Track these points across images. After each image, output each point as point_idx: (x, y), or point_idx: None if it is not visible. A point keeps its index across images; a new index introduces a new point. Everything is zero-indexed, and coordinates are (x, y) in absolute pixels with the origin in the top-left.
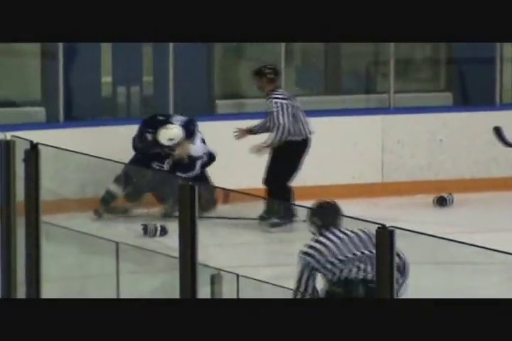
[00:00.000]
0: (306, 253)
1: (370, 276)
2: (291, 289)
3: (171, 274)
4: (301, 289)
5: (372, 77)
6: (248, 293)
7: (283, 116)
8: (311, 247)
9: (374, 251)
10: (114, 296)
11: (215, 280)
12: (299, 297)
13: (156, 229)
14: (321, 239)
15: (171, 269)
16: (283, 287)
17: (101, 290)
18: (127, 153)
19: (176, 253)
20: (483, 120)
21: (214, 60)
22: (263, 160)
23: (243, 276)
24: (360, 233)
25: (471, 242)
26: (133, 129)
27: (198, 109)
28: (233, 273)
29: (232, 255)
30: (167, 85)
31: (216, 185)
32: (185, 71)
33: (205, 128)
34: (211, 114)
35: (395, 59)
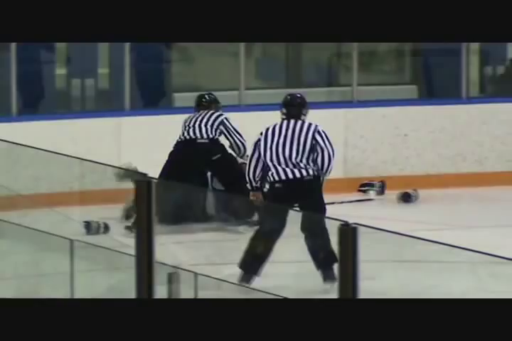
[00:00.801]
0: (260, 134)
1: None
2: (252, 288)
3: (128, 272)
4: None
5: (334, 69)
6: (207, 291)
7: None
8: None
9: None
10: (68, 295)
11: (172, 278)
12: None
13: (98, 227)
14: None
15: (128, 267)
16: (243, 285)
17: (55, 288)
18: (82, 147)
19: (133, 251)
20: (449, 114)
21: (172, 52)
22: None
23: (201, 275)
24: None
25: (437, 240)
26: (89, 122)
27: (155, 102)
28: (191, 271)
29: (192, 253)
30: (123, 78)
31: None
32: (141, 63)
33: (163, 121)
34: (169, 107)
35: (358, 51)
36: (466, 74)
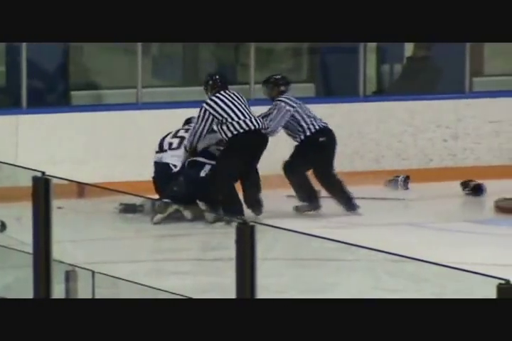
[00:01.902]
0: None
1: None
2: (150, 287)
3: (25, 270)
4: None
5: (232, 67)
6: (104, 290)
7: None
8: None
9: None
10: None
11: (69, 276)
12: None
13: None
14: None
15: (25, 265)
16: (141, 284)
17: None
18: None
19: (30, 249)
20: (347, 112)
21: (69, 49)
22: (117, 154)
23: (99, 273)
24: None
25: (334, 238)
26: None
27: (53, 100)
28: (88, 269)
29: (90, 251)
30: (20, 76)
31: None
32: (39, 61)
33: (60, 119)
34: (66, 106)
35: (255, 49)
36: (363, 72)
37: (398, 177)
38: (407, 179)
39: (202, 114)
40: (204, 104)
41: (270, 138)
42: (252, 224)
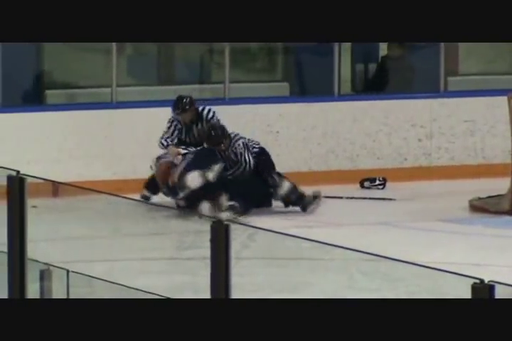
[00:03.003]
0: None
1: None
2: (124, 286)
3: None
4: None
5: (206, 66)
6: (79, 289)
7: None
8: None
9: None
10: None
11: (44, 275)
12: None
13: None
14: None
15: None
16: (115, 283)
17: None
18: None
19: (5, 248)
20: (321, 111)
21: (44, 48)
22: (92, 153)
23: (74, 272)
24: None
25: (308, 237)
26: None
27: (27, 99)
28: (63, 268)
29: (65, 250)
30: None
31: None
32: (13, 60)
33: (34, 118)
34: (40, 104)
35: (230, 48)
36: (338, 71)
37: (374, 178)
38: (384, 180)
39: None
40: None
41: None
42: (226, 223)
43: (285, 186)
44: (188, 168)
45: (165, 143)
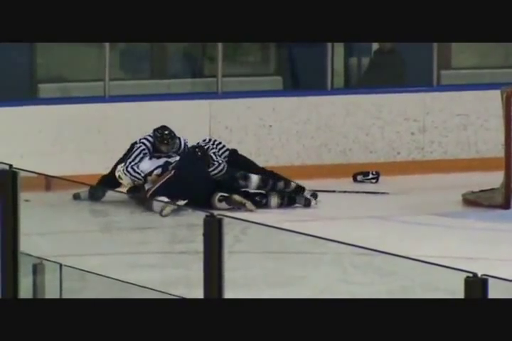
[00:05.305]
0: None
1: None
2: (117, 279)
3: None
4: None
5: (199, 60)
6: (72, 283)
7: None
8: None
9: None
10: None
11: (37, 269)
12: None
13: None
14: None
15: None
16: (108, 277)
17: None
18: None
19: None
20: (314, 105)
21: (37, 42)
22: (85, 147)
23: (66, 266)
24: None
25: (302, 231)
26: None
27: (20, 93)
28: (56, 262)
29: (58, 244)
30: None
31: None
32: (5, 54)
33: (27, 112)
34: (33, 98)
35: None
36: (331, 65)
37: (367, 172)
38: (377, 174)
39: None
40: None
41: None
42: (219, 217)
43: (253, 180)
44: (161, 193)
45: (139, 176)
